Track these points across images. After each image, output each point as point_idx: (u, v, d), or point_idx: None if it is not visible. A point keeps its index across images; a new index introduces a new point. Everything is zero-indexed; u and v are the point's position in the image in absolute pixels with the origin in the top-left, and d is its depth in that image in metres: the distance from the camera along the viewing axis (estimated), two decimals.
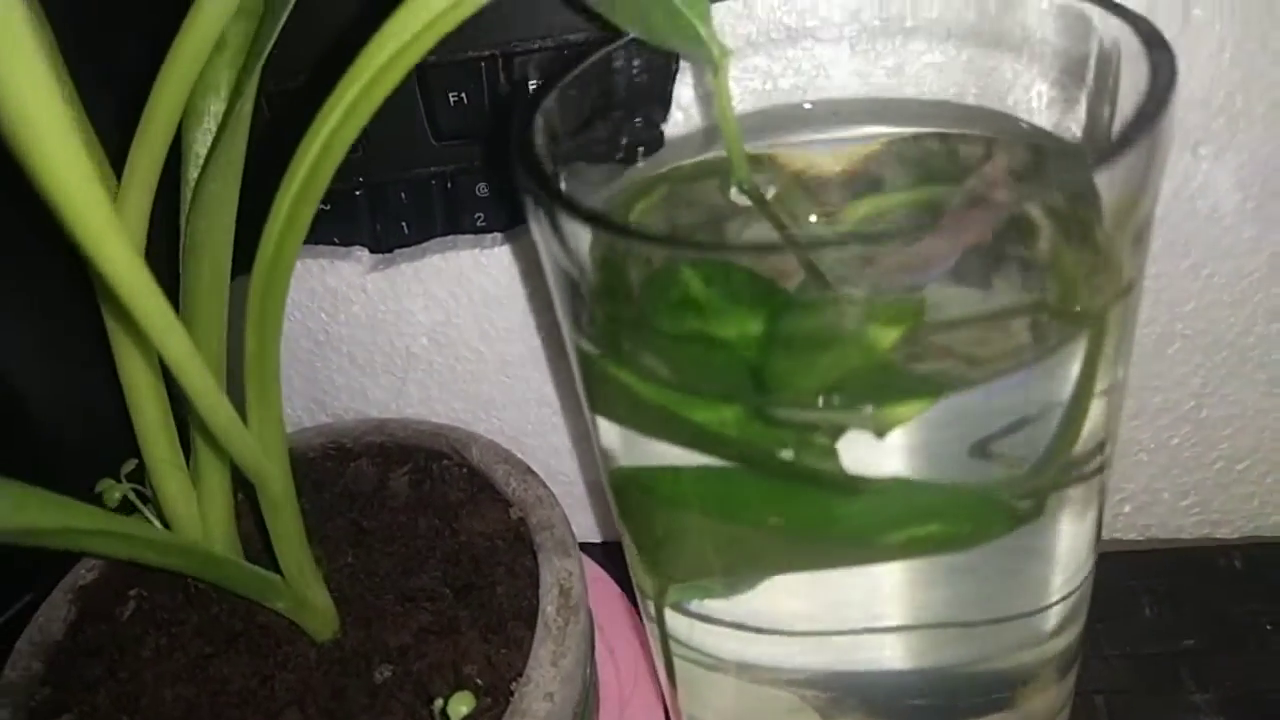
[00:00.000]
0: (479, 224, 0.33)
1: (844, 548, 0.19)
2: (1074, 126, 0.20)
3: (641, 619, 0.34)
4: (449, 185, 0.33)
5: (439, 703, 0.24)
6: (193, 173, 0.25)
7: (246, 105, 0.23)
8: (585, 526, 0.37)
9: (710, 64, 0.20)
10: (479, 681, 0.26)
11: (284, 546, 0.25)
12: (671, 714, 0.30)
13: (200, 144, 0.25)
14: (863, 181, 0.25)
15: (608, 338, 0.20)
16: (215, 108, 0.25)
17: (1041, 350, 0.18)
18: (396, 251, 0.33)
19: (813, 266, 0.17)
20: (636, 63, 0.22)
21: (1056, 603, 0.22)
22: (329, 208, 0.34)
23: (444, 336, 0.33)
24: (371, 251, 0.33)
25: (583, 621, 0.27)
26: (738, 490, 0.19)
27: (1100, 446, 0.20)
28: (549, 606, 0.27)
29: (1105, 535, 0.23)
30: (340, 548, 0.30)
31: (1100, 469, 0.20)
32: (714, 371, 0.18)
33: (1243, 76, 0.25)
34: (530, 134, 0.19)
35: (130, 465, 0.30)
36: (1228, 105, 0.26)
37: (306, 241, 0.33)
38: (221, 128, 0.24)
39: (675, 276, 0.20)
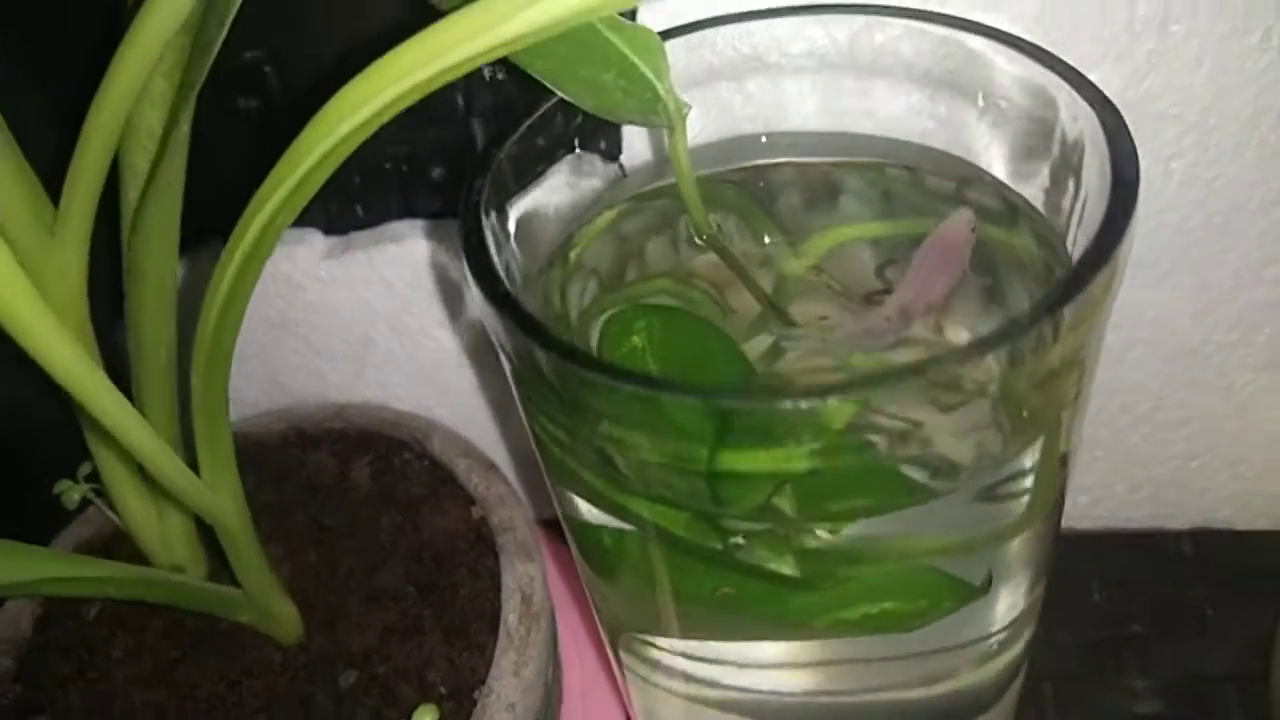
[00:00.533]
0: (434, 208, 0.32)
1: (795, 626, 0.20)
2: (1035, 190, 0.20)
3: None
4: (404, 169, 0.32)
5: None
6: (132, 193, 0.24)
7: (185, 126, 0.22)
8: (540, 508, 0.37)
9: (667, 125, 0.19)
10: (442, 690, 0.27)
11: (245, 572, 0.25)
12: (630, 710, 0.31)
13: (140, 161, 0.24)
14: (824, 203, 0.24)
15: (559, 429, 0.19)
16: (153, 124, 0.24)
17: (994, 457, 0.18)
18: (352, 235, 0.32)
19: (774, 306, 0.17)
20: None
21: (1005, 627, 0.23)
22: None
23: (402, 324, 0.32)
24: (325, 234, 0.32)
25: (544, 628, 0.28)
26: (689, 565, 0.19)
27: (1058, 503, 0.20)
28: (510, 615, 0.28)
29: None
30: (303, 545, 0.30)
31: (1056, 520, 0.21)
32: (660, 479, 0.18)
33: (1216, 93, 0.25)
34: (478, 229, 0.18)
35: (88, 468, 0.30)
36: (1201, 122, 0.25)
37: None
38: (160, 149, 0.23)
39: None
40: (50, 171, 0.23)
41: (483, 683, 0.27)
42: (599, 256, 0.24)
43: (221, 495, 0.23)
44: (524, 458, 0.35)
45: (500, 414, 0.34)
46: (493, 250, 0.18)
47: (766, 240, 0.24)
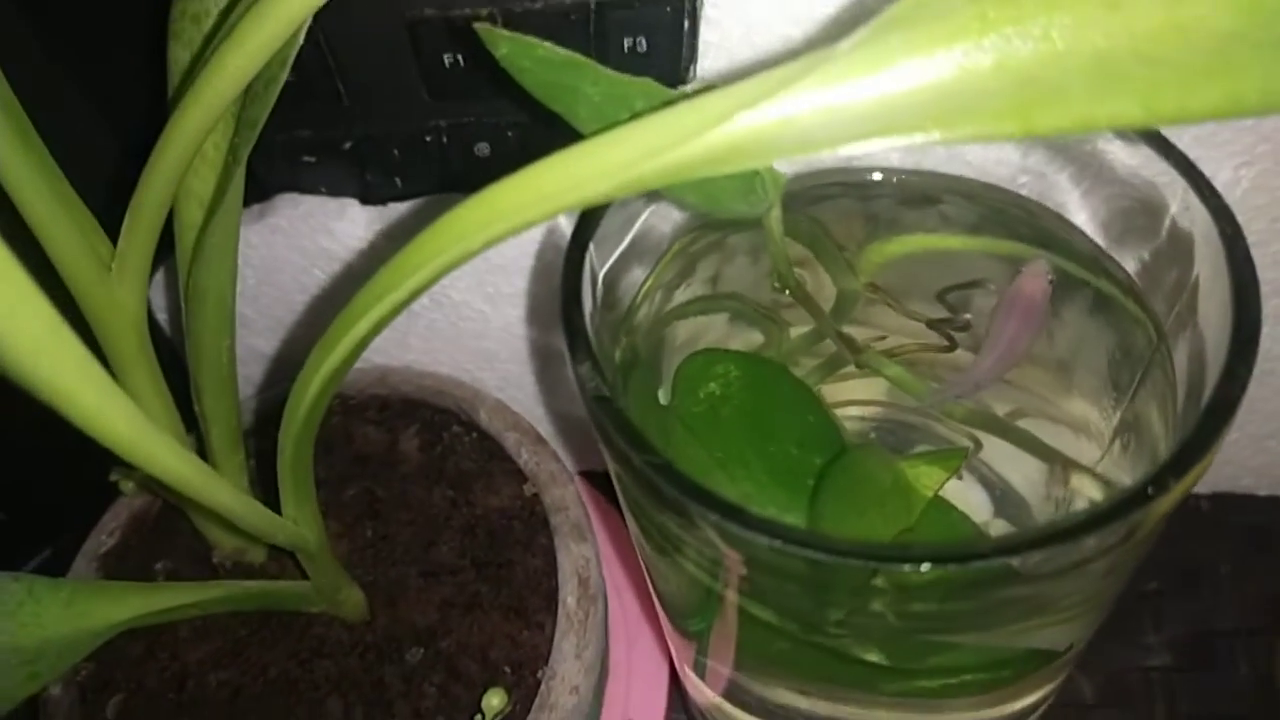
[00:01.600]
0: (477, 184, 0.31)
1: (875, 696, 0.21)
2: (1128, 262, 0.19)
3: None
4: (444, 141, 0.31)
5: (478, 716, 0.26)
6: (192, 215, 0.23)
7: (242, 167, 0.22)
8: (584, 460, 0.38)
9: (765, 206, 0.18)
10: (505, 669, 0.28)
11: (320, 578, 0.26)
12: (675, 657, 0.32)
13: (199, 185, 0.23)
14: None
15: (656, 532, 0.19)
16: (211, 153, 0.23)
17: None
18: (390, 207, 0.31)
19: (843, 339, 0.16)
20: None
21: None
22: (315, 159, 0.31)
23: (445, 298, 0.32)
24: (362, 203, 0.32)
25: (600, 609, 0.29)
26: (767, 636, 0.20)
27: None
28: (569, 597, 0.29)
29: None
30: (359, 520, 0.31)
31: None
32: (762, 588, 0.18)
33: None
34: (585, 348, 0.18)
35: None
36: (1274, 134, 0.25)
37: (295, 190, 0.32)
38: (220, 185, 0.22)
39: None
40: (103, 203, 0.23)
41: (545, 660, 0.28)
42: (672, 270, 0.24)
43: (304, 529, 0.23)
44: (563, 418, 0.36)
45: (544, 381, 0.34)
46: (590, 331, 0.18)
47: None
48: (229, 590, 0.25)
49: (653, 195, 0.20)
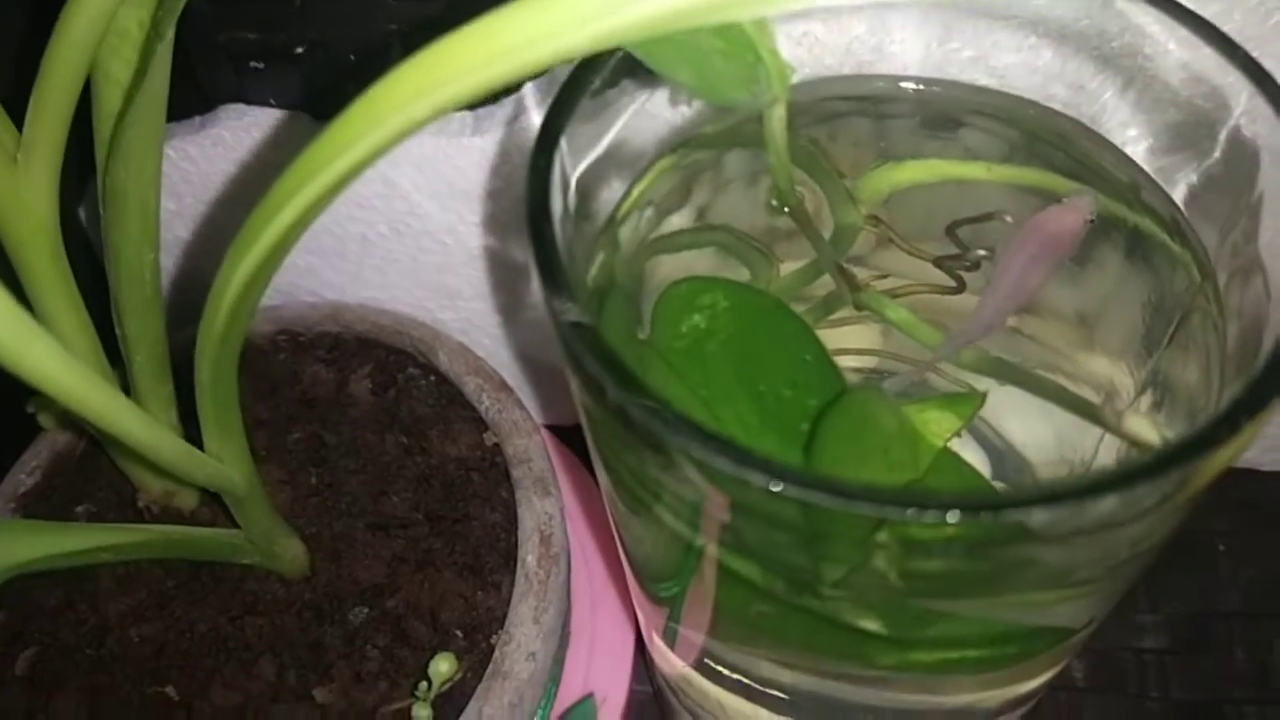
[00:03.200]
0: None
1: (866, 666, 0.19)
2: (1175, 188, 0.17)
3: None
4: (406, 49, 0.28)
5: (426, 685, 0.24)
6: (111, 103, 0.21)
7: (168, 35, 0.19)
8: (552, 413, 0.35)
9: (768, 100, 0.16)
10: (457, 632, 0.26)
11: (253, 528, 0.23)
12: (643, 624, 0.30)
13: (119, 70, 0.20)
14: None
15: (633, 479, 0.17)
16: (131, 29, 0.20)
17: None
18: None
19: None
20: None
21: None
22: (263, 66, 0.28)
23: (405, 226, 0.29)
24: (314, 118, 0.29)
25: (563, 569, 0.27)
26: (749, 597, 0.18)
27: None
28: (529, 556, 0.26)
29: None
30: (303, 466, 0.28)
31: None
32: (749, 536, 0.16)
33: None
34: (549, 237, 0.15)
35: None
36: None
37: (241, 101, 0.29)
38: (143, 59, 0.19)
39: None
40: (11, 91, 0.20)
41: (500, 624, 0.26)
42: (659, 190, 0.21)
43: (229, 467, 0.20)
44: (531, 364, 0.33)
45: (507, 318, 0.32)
46: (561, 244, 0.15)
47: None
48: (149, 535, 0.22)
49: (636, 84, 0.18)
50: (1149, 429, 0.18)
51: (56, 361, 0.15)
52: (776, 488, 0.12)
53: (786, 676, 0.20)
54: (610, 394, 0.14)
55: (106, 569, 0.27)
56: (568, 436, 0.35)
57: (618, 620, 0.32)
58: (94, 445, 0.29)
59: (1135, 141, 0.18)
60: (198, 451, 0.19)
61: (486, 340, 0.32)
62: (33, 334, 0.14)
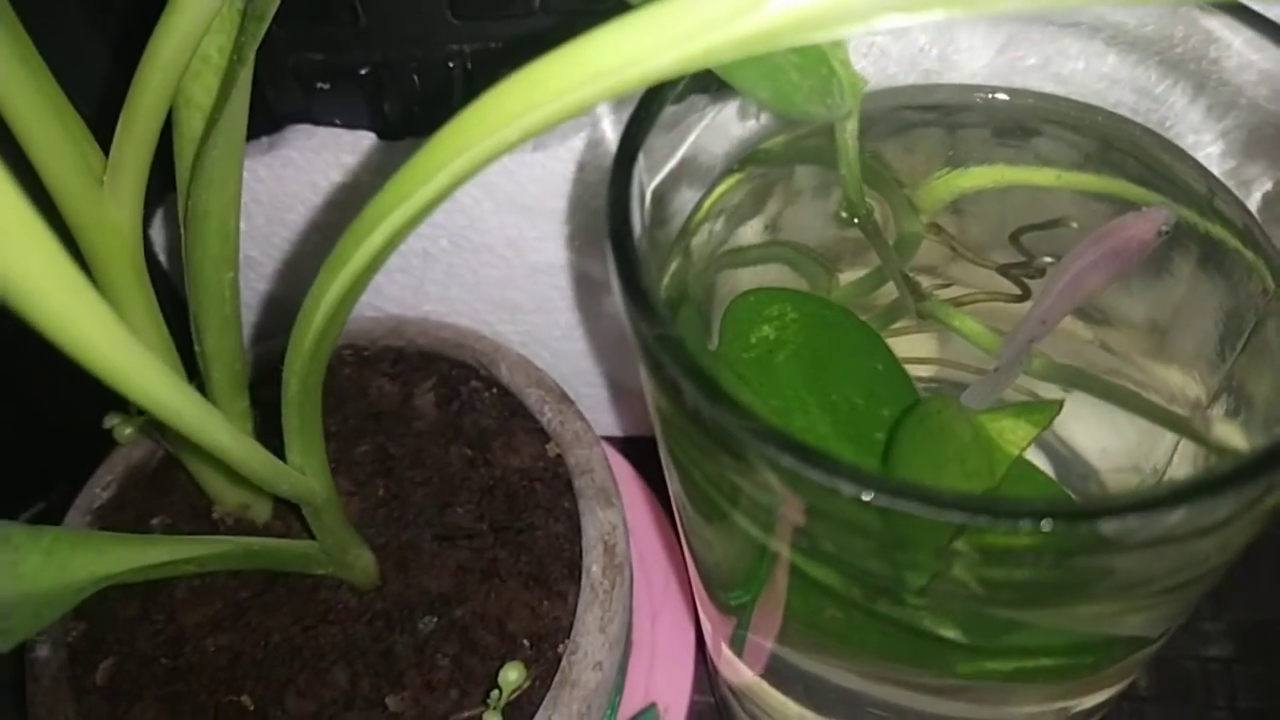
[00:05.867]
0: None
1: (933, 674, 0.19)
2: (1251, 195, 0.17)
3: (671, 523, 0.34)
4: (468, 68, 0.28)
5: (495, 691, 0.24)
6: (193, 126, 0.21)
7: (249, 62, 0.19)
8: (609, 424, 0.36)
9: (841, 113, 0.16)
10: (524, 641, 0.26)
11: (327, 539, 0.24)
12: (705, 624, 0.30)
13: (201, 95, 0.21)
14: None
15: (704, 477, 0.17)
16: (213, 55, 0.20)
17: None
18: (410, 141, 0.29)
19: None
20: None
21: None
22: (329, 86, 0.29)
23: (465, 240, 0.30)
24: (380, 137, 0.29)
25: (626, 579, 0.27)
26: (824, 603, 0.18)
27: None
28: (594, 565, 0.27)
29: None
30: (370, 478, 0.29)
31: None
32: (828, 541, 0.16)
33: None
34: (634, 257, 0.15)
35: None
36: None
37: (306, 121, 0.30)
38: (223, 90, 0.20)
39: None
40: (98, 115, 0.20)
41: (566, 633, 0.26)
42: (729, 203, 0.21)
43: (311, 479, 0.21)
44: (591, 379, 0.34)
45: (575, 335, 0.32)
46: (641, 257, 0.16)
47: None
48: (227, 546, 0.23)
49: (707, 99, 0.18)
50: (1237, 436, 0.18)
51: (156, 377, 0.15)
52: (867, 497, 0.12)
53: (857, 684, 0.20)
54: (695, 404, 0.14)
55: (183, 580, 0.28)
56: (624, 448, 0.35)
57: (678, 630, 0.32)
58: (167, 460, 0.29)
59: (1207, 146, 0.18)
60: (282, 463, 0.20)
61: (545, 354, 0.32)
62: (137, 351, 0.15)
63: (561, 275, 0.30)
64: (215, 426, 0.17)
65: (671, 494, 0.22)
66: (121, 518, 0.29)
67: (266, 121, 0.30)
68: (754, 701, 0.26)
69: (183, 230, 0.22)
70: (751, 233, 0.21)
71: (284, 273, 0.32)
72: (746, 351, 0.19)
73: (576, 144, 0.27)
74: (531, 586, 0.27)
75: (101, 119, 0.20)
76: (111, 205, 0.20)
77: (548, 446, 0.29)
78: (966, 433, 0.17)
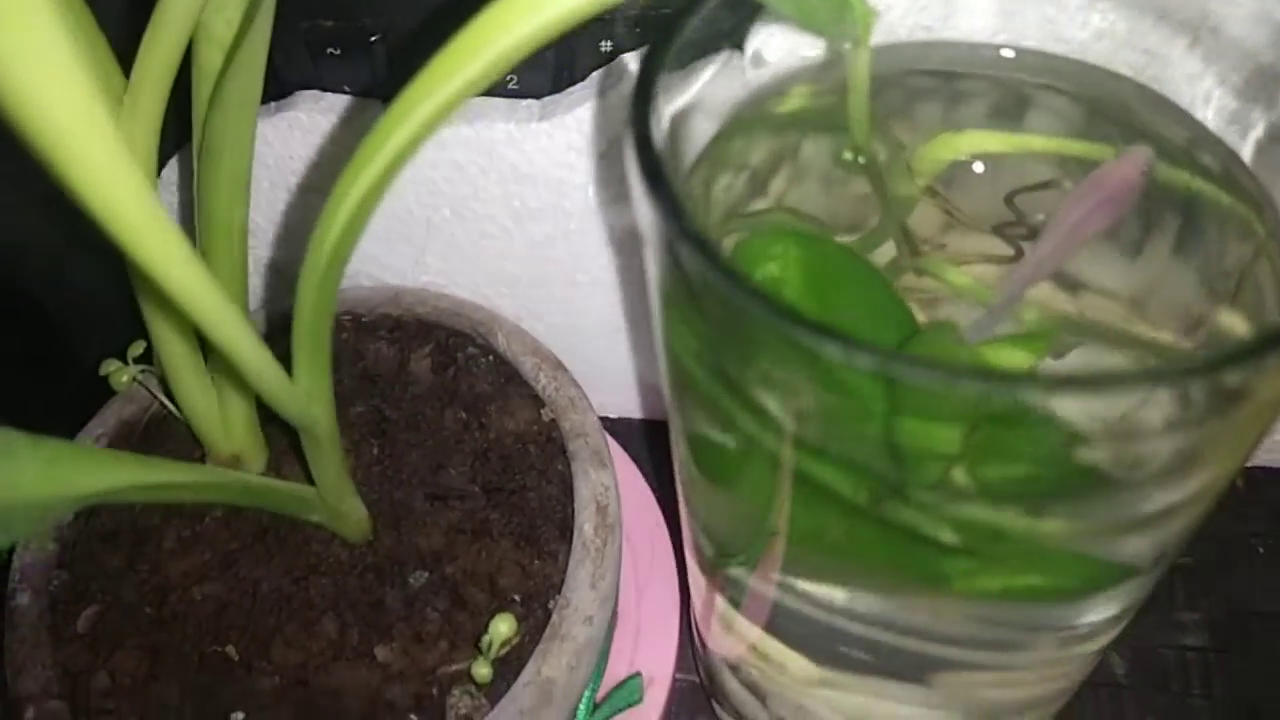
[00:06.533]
0: (510, 86, 0.29)
1: (927, 587, 0.19)
2: (1245, 148, 0.18)
3: (660, 500, 0.34)
4: None
5: (486, 638, 0.24)
6: (212, 59, 0.22)
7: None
8: (598, 405, 0.36)
9: (853, 39, 0.17)
10: (515, 596, 0.26)
11: (323, 474, 0.24)
12: (695, 610, 0.30)
13: (220, 28, 0.21)
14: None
15: (702, 354, 0.18)
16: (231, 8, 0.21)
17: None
18: None
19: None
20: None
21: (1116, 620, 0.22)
22: (339, 52, 0.30)
23: (468, 210, 0.30)
24: (386, 104, 0.30)
25: (618, 540, 0.27)
26: (826, 513, 0.18)
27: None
28: (586, 524, 0.27)
29: None
30: (365, 439, 0.29)
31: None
32: (832, 431, 0.16)
33: None
34: (648, 127, 0.16)
35: (139, 348, 0.28)
36: None
37: (315, 88, 0.30)
38: (244, 23, 0.21)
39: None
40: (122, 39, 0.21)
41: (557, 591, 0.26)
42: (749, 151, 0.22)
43: (316, 406, 0.21)
44: (589, 356, 0.34)
45: (569, 310, 0.32)
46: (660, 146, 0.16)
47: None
48: (227, 478, 0.23)
49: (726, 39, 0.19)
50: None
51: (181, 251, 0.15)
52: (879, 365, 0.13)
53: (859, 620, 0.20)
54: (719, 291, 0.15)
55: (171, 530, 0.27)
56: (613, 429, 0.35)
57: (664, 606, 0.32)
58: (160, 416, 0.29)
59: (1206, 96, 0.19)
60: (290, 382, 0.20)
61: (540, 327, 0.33)
62: (184, 248, 0.15)
63: (560, 248, 0.31)
64: (232, 315, 0.17)
65: (674, 440, 0.22)
66: None
67: (275, 87, 0.30)
68: (751, 666, 0.26)
69: (195, 166, 0.23)
70: (759, 198, 0.22)
71: (287, 239, 0.32)
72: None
73: (582, 114, 0.28)
74: (523, 546, 0.27)
75: (123, 56, 0.21)
76: (130, 124, 0.20)
77: (542, 412, 0.29)
78: (967, 358, 0.18)
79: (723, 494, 0.20)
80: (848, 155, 0.20)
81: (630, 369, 0.35)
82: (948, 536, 0.16)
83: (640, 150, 0.15)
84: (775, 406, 0.16)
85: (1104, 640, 0.23)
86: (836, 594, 0.20)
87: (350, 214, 0.17)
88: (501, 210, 0.30)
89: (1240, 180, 0.19)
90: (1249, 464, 0.34)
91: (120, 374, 0.27)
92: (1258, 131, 0.18)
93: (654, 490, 0.34)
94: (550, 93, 0.29)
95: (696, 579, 0.28)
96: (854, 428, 0.15)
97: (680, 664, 0.32)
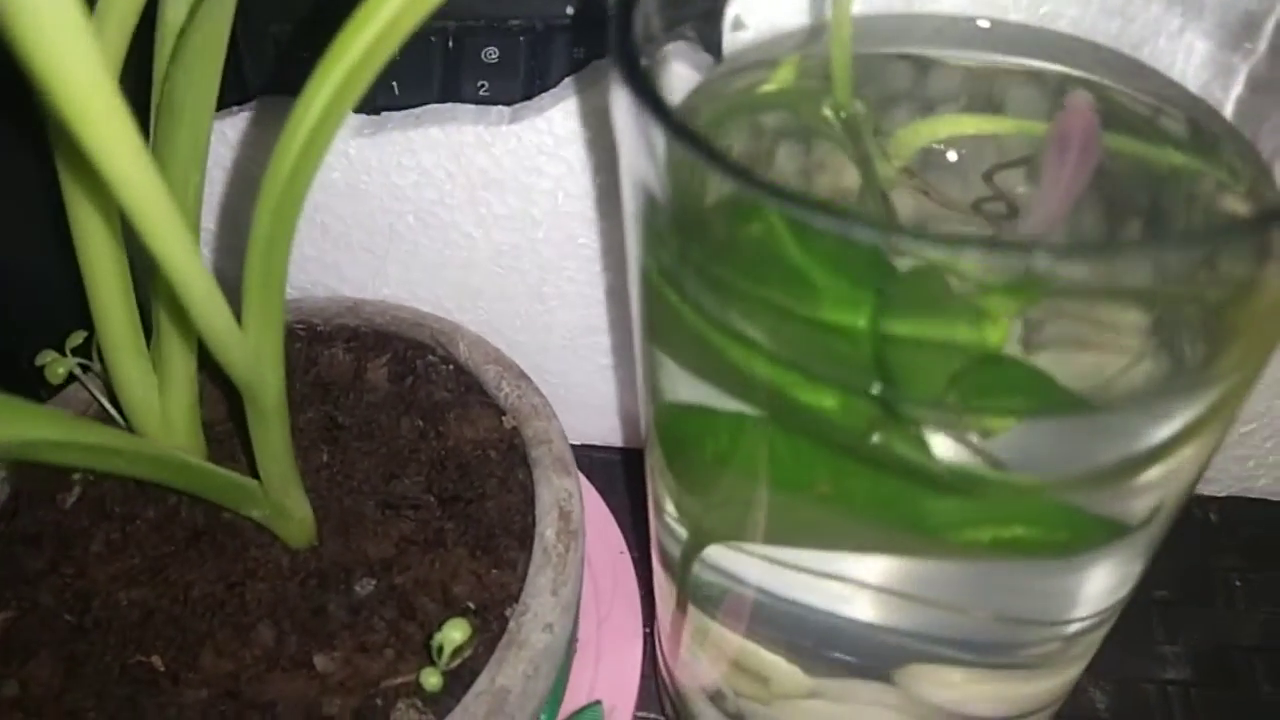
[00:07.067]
0: (481, 93, 0.29)
1: (916, 540, 0.18)
2: (1225, 99, 0.18)
3: (624, 527, 0.33)
4: (450, 45, 0.29)
5: (437, 636, 0.22)
6: (175, 11, 0.21)
7: None
8: (569, 428, 0.35)
9: None
10: (470, 604, 0.25)
11: (268, 457, 0.22)
12: (664, 636, 0.29)
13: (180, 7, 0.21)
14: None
15: (689, 279, 0.17)
16: None
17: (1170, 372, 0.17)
18: (385, 115, 0.29)
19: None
20: None
21: (1102, 612, 0.21)
22: (306, 55, 0.29)
23: (433, 217, 0.30)
24: (353, 110, 0.29)
25: (580, 549, 0.26)
26: (814, 460, 0.17)
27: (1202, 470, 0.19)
28: (548, 530, 0.25)
29: None
30: (314, 444, 0.28)
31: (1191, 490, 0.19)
32: (819, 352, 0.16)
33: None
34: (630, 16, 0.16)
35: (78, 339, 0.26)
36: None
37: (280, 94, 0.30)
38: None
39: (766, 229, 0.17)
40: None
41: (514, 600, 0.25)
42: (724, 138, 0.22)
43: (265, 365, 0.20)
44: (554, 377, 0.33)
45: (534, 326, 0.32)
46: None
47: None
48: (162, 452, 0.21)
49: None
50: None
51: (150, 171, 0.15)
52: (874, 235, 0.12)
53: (845, 614, 0.19)
54: (708, 170, 0.14)
55: (100, 533, 0.26)
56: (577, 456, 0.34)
57: (625, 635, 0.30)
58: (97, 417, 0.28)
59: (1188, 49, 0.19)
60: (236, 325, 0.19)
61: (502, 344, 0.32)
62: (138, 142, 0.14)
63: (526, 258, 0.30)
64: (180, 230, 0.16)
65: (646, 404, 0.21)
66: (40, 475, 0.27)
67: (238, 90, 0.30)
68: (730, 686, 0.24)
69: (152, 125, 0.22)
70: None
71: (238, 249, 0.31)
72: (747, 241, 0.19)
73: (554, 114, 0.28)
74: (479, 555, 0.26)
75: None
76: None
77: (504, 419, 0.28)
78: (958, 299, 0.17)
79: (702, 452, 0.19)
80: (828, 113, 0.20)
81: (597, 391, 0.34)
82: (936, 466, 0.15)
83: (619, 38, 0.15)
84: (761, 331, 0.16)
85: (1089, 640, 0.22)
86: (823, 566, 0.19)
87: (323, 108, 0.17)
88: (468, 217, 0.29)
89: (1217, 143, 0.19)
90: (1222, 495, 0.33)
91: (57, 365, 0.26)
92: (1239, 83, 0.18)
93: (616, 518, 0.33)
94: (522, 100, 0.29)
95: (665, 597, 0.26)
96: (840, 345, 0.14)
97: (642, 701, 0.30)
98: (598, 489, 0.33)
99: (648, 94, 0.14)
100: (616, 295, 0.30)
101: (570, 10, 0.28)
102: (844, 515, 0.17)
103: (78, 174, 0.20)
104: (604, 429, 0.35)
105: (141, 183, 0.14)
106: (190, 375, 0.25)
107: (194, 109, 0.22)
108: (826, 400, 0.16)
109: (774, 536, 0.19)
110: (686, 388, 0.18)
